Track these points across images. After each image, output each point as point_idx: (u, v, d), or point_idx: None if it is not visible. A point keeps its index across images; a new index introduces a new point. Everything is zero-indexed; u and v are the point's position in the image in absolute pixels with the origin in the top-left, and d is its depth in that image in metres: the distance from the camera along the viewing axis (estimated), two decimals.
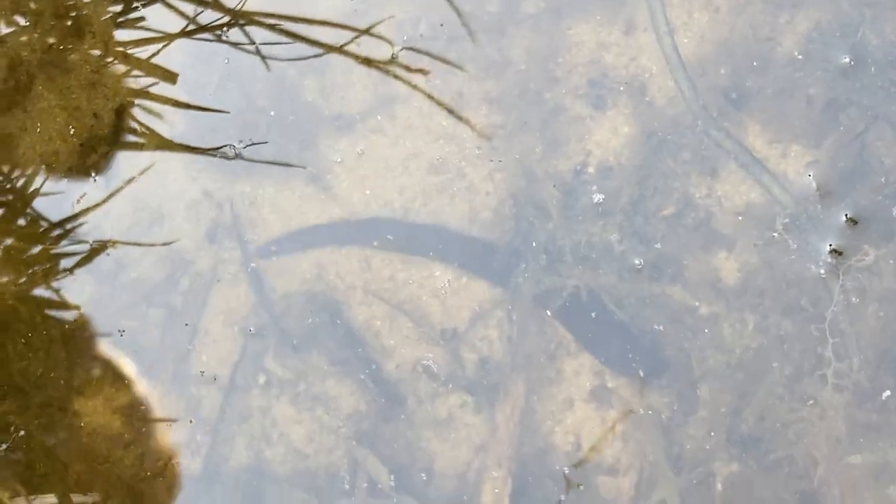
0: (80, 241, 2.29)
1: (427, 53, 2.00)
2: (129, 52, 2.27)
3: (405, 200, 2.01)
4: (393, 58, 2.03)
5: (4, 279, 2.21)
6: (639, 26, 1.99)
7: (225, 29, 2.17)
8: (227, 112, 2.13)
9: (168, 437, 2.05)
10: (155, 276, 2.10)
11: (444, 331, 1.96)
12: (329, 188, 2.06)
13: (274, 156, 2.06)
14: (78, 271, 2.30)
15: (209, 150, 2.11)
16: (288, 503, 1.96)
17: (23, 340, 2.17)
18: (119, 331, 2.10)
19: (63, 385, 2.13)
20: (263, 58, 2.11)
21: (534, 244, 1.97)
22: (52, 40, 2.26)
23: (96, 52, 2.27)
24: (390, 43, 2.05)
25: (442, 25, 2.00)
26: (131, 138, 2.22)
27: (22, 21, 2.30)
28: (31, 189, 2.23)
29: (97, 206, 2.21)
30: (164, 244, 2.13)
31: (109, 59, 2.31)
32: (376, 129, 2.07)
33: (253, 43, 2.10)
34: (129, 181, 2.19)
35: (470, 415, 1.94)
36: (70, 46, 2.24)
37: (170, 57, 2.18)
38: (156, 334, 2.06)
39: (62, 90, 2.22)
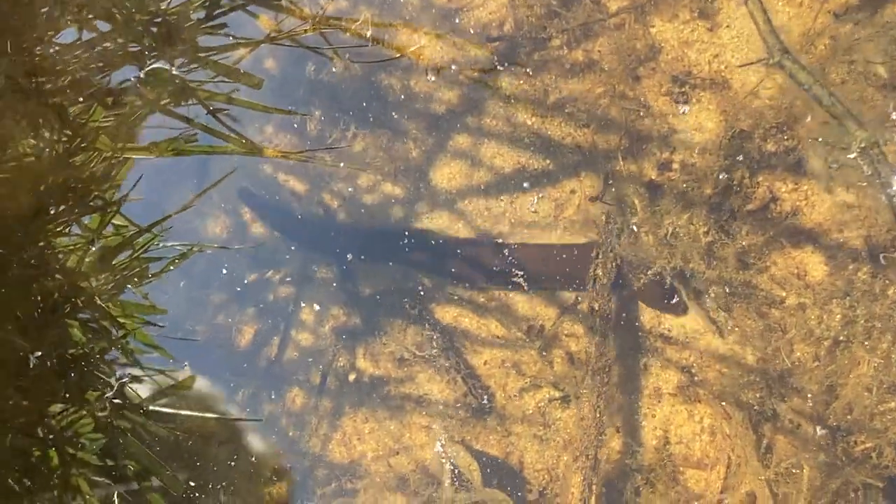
0: (170, 245, 2.51)
1: (511, 55, 2.18)
2: (214, 57, 2.49)
3: (489, 199, 2.20)
4: (482, 61, 2.23)
5: (98, 281, 2.44)
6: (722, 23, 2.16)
7: (308, 34, 2.38)
8: (311, 115, 2.33)
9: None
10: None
11: (532, 327, 2.14)
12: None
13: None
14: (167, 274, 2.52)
15: (295, 153, 2.32)
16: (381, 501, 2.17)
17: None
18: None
19: None
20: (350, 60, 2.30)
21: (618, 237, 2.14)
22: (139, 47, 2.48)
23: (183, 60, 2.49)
24: (478, 47, 2.24)
25: (526, 28, 2.19)
26: (219, 143, 2.45)
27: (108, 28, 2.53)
28: (124, 194, 2.46)
29: (185, 208, 2.43)
30: (252, 247, 2.35)
31: (195, 66, 2.53)
32: (463, 127, 2.26)
33: (331, 47, 2.30)
34: (215, 184, 2.40)
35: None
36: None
37: (255, 63, 2.38)
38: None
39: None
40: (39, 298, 2.49)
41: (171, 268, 2.54)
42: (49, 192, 2.52)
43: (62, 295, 2.57)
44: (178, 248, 2.50)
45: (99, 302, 2.54)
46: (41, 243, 2.59)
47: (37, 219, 2.49)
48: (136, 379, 2.51)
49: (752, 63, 2.11)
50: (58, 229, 2.60)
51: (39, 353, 2.36)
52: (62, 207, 2.58)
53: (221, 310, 2.33)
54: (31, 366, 2.38)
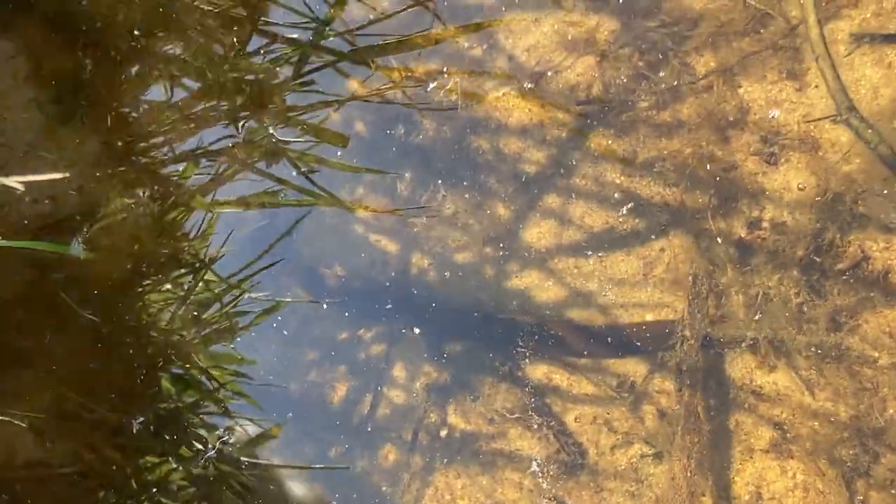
0: (256, 300, 2.68)
1: (600, 117, 2.34)
2: (300, 116, 2.67)
3: (579, 255, 2.36)
4: (570, 123, 2.39)
5: (188, 334, 2.62)
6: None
7: (396, 92, 2.55)
8: (401, 176, 2.51)
9: None
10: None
11: (622, 383, 2.29)
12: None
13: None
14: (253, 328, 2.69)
15: (384, 210, 2.49)
16: None
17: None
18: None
19: None
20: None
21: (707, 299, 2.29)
22: (229, 106, 2.66)
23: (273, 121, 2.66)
24: (566, 108, 2.39)
25: (614, 90, 2.35)
26: (307, 199, 2.62)
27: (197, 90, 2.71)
28: (216, 252, 2.64)
29: (271, 265, 2.58)
30: (338, 301, 2.52)
31: (284, 125, 2.71)
32: (550, 186, 2.42)
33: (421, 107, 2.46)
34: (288, 231, 2.55)
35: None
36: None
37: (346, 125, 2.55)
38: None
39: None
40: (137, 358, 2.67)
41: (259, 321, 2.71)
42: (143, 251, 2.70)
43: (156, 351, 2.75)
44: (266, 302, 2.67)
45: (194, 357, 2.72)
46: (139, 303, 2.78)
47: (134, 280, 2.67)
48: (228, 430, 2.69)
49: (819, 119, 2.26)
50: (151, 286, 2.78)
51: (141, 419, 2.54)
52: (155, 265, 2.76)
53: (314, 368, 2.51)
54: (133, 429, 2.55)
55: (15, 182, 1.30)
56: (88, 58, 2.54)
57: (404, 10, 2.55)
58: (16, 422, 2.46)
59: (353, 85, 2.57)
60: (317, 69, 2.71)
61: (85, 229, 2.56)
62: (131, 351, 2.66)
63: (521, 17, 2.50)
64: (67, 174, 2.42)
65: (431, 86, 2.54)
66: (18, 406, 2.53)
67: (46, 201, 2.56)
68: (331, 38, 2.64)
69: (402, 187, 2.52)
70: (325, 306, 2.54)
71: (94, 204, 2.60)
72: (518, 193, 2.50)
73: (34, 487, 2.57)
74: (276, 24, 2.72)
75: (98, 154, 2.67)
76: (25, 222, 2.53)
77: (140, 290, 2.74)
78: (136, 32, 2.58)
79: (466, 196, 2.51)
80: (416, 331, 2.50)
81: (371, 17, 2.61)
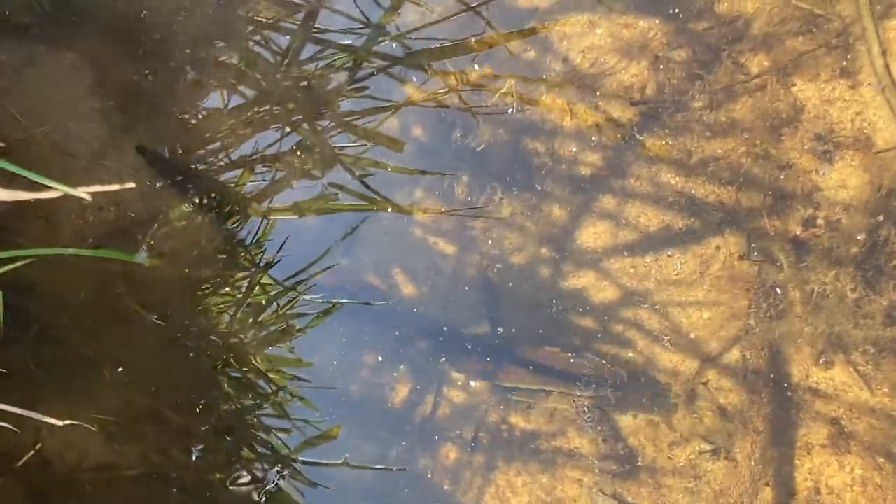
0: (311, 302, 2.90)
1: (654, 118, 2.54)
2: (355, 121, 2.88)
3: (640, 253, 2.57)
4: (625, 124, 2.59)
5: (246, 337, 2.84)
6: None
7: (452, 101, 2.76)
8: (458, 179, 2.71)
9: None
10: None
11: (679, 381, 2.49)
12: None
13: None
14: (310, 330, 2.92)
15: (438, 210, 2.70)
16: None
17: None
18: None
19: None
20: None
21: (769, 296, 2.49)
22: (284, 111, 2.87)
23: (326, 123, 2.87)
24: (621, 110, 2.60)
25: (668, 90, 2.54)
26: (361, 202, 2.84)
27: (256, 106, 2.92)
28: (272, 257, 2.86)
29: (327, 269, 2.79)
30: (392, 302, 2.74)
31: (338, 132, 2.91)
32: (605, 187, 2.62)
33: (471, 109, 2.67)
34: (351, 232, 2.77)
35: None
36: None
37: (403, 130, 2.76)
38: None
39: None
40: (200, 361, 2.90)
41: (316, 323, 2.93)
42: (203, 257, 2.92)
43: (216, 354, 2.98)
44: (324, 303, 2.89)
45: (252, 360, 2.94)
46: (200, 307, 3.01)
47: (195, 284, 2.90)
48: (284, 431, 2.91)
49: (888, 150, 2.44)
50: (210, 291, 3.01)
51: (206, 427, 2.76)
52: (215, 270, 2.99)
53: (375, 369, 2.72)
54: (199, 431, 2.78)
55: (83, 193, 1.52)
56: (149, 68, 2.77)
57: (456, 14, 2.75)
58: (86, 425, 2.68)
59: (409, 90, 2.79)
60: (371, 74, 2.91)
61: (148, 236, 2.78)
62: (194, 354, 2.88)
63: (575, 21, 2.70)
64: (133, 184, 2.64)
65: (487, 90, 2.75)
66: (88, 409, 2.75)
67: (112, 209, 2.78)
68: (384, 43, 2.85)
69: (460, 190, 2.74)
70: (387, 307, 2.75)
71: (157, 211, 2.81)
72: (574, 195, 2.70)
73: (103, 489, 2.79)
74: (330, 30, 2.92)
75: (159, 161, 2.88)
76: (92, 229, 2.75)
77: (200, 294, 2.97)
78: (194, 43, 2.80)
79: (523, 198, 2.72)
80: (474, 331, 2.71)
81: (423, 21, 2.82)
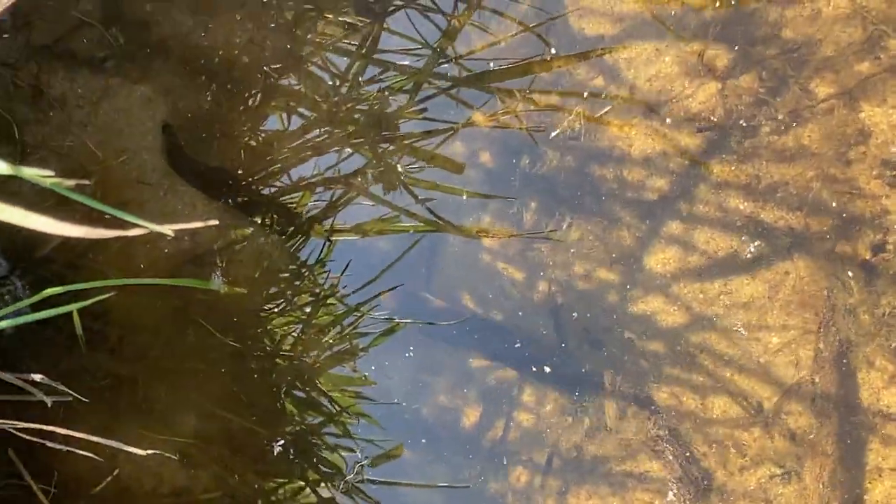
0: (374, 323, 3.04)
1: (721, 144, 2.65)
2: (416, 143, 3.01)
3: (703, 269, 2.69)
4: (692, 145, 2.71)
5: (308, 356, 2.98)
6: None
7: (513, 117, 2.89)
8: (526, 202, 2.84)
9: None
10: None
11: (750, 404, 2.61)
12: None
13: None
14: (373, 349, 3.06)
15: (510, 235, 2.83)
16: None
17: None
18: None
19: None
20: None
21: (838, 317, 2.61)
22: (344, 133, 3.01)
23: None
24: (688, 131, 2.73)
25: (735, 116, 2.66)
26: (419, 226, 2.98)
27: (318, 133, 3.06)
28: (337, 280, 3.00)
29: (390, 290, 2.93)
30: (457, 322, 2.88)
31: (399, 154, 3.05)
32: (673, 212, 2.74)
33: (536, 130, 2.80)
34: (407, 250, 2.93)
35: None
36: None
37: (470, 156, 2.90)
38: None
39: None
40: (270, 382, 3.04)
41: (379, 343, 3.07)
42: (268, 279, 3.07)
43: (281, 374, 3.12)
44: (389, 323, 3.03)
45: (316, 380, 3.07)
46: (264, 329, 3.15)
47: (262, 306, 3.04)
48: (350, 450, 3.05)
49: None
50: (276, 312, 3.16)
51: (282, 442, 2.91)
52: (278, 291, 3.14)
53: (446, 393, 2.85)
54: (274, 452, 2.92)
55: (167, 230, 1.65)
56: (218, 97, 2.92)
57: (514, 34, 2.89)
58: (168, 454, 2.83)
59: (472, 115, 2.92)
60: (431, 96, 3.05)
61: (221, 262, 2.93)
62: (261, 376, 3.03)
63: (641, 48, 2.82)
64: (216, 222, 2.79)
65: (554, 116, 2.88)
66: (164, 433, 2.90)
67: (186, 238, 2.93)
68: (444, 65, 2.99)
69: (528, 216, 2.87)
70: (454, 331, 2.89)
71: (226, 235, 2.96)
72: (641, 220, 2.82)
73: None
74: (390, 50, 3.06)
75: (229, 188, 3.03)
76: (165, 256, 2.90)
77: (265, 315, 3.11)
78: (259, 71, 2.95)
79: (591, 223, 2.84)
80: (543, 356, 2.84)
81: (484, 43, 2.95)
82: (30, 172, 1.57)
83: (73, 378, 3.10)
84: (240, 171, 3.18)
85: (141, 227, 1.79)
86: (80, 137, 3.07)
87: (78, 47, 3.07)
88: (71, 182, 1.76)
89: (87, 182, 2.89)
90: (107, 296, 2.56)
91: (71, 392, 2.62)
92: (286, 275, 3.14)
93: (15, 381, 2.62)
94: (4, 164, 1.61)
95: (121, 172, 3.08)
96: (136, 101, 3.09)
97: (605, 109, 2.95)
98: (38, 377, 2.64)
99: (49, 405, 2.61)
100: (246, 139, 3.16)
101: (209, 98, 3.09)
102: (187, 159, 3.04)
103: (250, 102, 3.16)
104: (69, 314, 2.41)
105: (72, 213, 2.98)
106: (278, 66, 3.12)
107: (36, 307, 2.15)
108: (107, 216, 1.84)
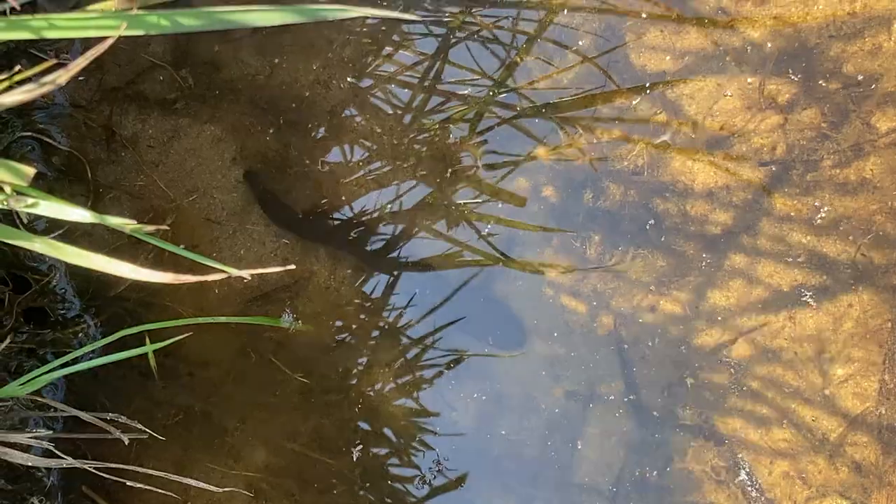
0: (437, 353, 3.16)
1: (784, 178, 2.77)
2: (476, 175, 3.13)
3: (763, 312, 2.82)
4: (754, 179, 2.83)
5: (374, 389, 3.10)
6: None
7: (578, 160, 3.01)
8: (589, 236, 2.96)
9: None
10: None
11: (814, 436, 2.72)
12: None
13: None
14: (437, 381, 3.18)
15: (573, 269, 2.96)
16: None
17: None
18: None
19: None
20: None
21: None
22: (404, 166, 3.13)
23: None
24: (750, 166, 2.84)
25: (797, 151, 2.78)
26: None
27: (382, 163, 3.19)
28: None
29: (454, 322, 3.07)
30: (520, 354, 3.01)
31: (460, 186, 3.17)
32: (736, 246, 2.86)
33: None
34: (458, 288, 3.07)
35: None
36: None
37: (533, 191, 3.03)
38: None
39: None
40: (337, 414, 3.16)
41: (443, 374, 3.19)
42: (334, 312, 3.19)
43: (348, 407, 3.24)
44: (454, 355, 3.15)
45: (384, 412, 3.20)
46: (330, 361, 3.28)
47: (328, 340, 3.17)
48: (416, 480, 3.17)
49: None
50: (341, 345, 3.28)
51: (367, 485, 3.04)
52: (343, 324, 3.26)
53: (512, 424, 2.98)
54: (341, 485, 3.05)
55: (245, 273, 1.77)
56: (284, 135, 3.05)
57: (574, 66, 3.00)
58: (244, 492, 2.97)
59: (537, 149, 3.04)
60: (492, 128, 3.18)
61: (289, 299, 3.07)
62: (328, 408, 3.16)
63: (703, 83, 2.94)
64: (293, 267, 2.92)
65: (617, 150, 3.00)
66: (234, 467, 3.04)
67: (256, 277, 3.06)
68: (504, 95, 3.11)
69: (591, 251, 2.99)
70: (520, 363, 3.01)
71: (296, 273, 3.09)
72: (705, 253, 2.94)
73: None
74: (451, 81, 3.19)
75: (294, 223, 3.16)
76: (237, 292, 3.04)
77: (332, 347, 3.24)
78: (325, 108, 3.08)
79: (654, 257, 2.95)
80: (609, 388, 2.96)
81: (545, 75, 3.07)
82: (113, 221, 1.70)
83: (145, 414, 3.25)
84: (304, 206, 3.32)
85: (220, 272, 1.91)
86: (151, 177, 3.21)
87: (148, 89, 3.22)
88: (150, 228, 1.90)
89: (165, 227, 3.03)
90: (183, 336, 2.71)
91: (146, 430, 2.76)
92: (351, 308, 3.27)
93: (93, 421, 2.76)
94: (89, 213, 1.75)
95: (191, 211, 3.22)
96: (206, 141, 3.24)
97: (669, 144, 3.06)
98: (114, 416, 2.78)
99: (126, 443, 2.75)
100: (310, 174, 3.29)
101: (275, 136, 3.23)
102: (277, 202, 3.18)
103: (315, 138, 3.29)
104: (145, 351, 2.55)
105: (144, 251, 3.12)
106: (342, 102, 3.25)
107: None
108: (183, 255, 1.97)
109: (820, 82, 3.07)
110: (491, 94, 3.23)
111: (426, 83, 3.29)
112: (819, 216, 3.05)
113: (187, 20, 1.43)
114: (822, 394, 3.02)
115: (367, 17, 3.29)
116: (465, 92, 3.25)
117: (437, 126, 3.36)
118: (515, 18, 3.31)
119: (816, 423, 3.04)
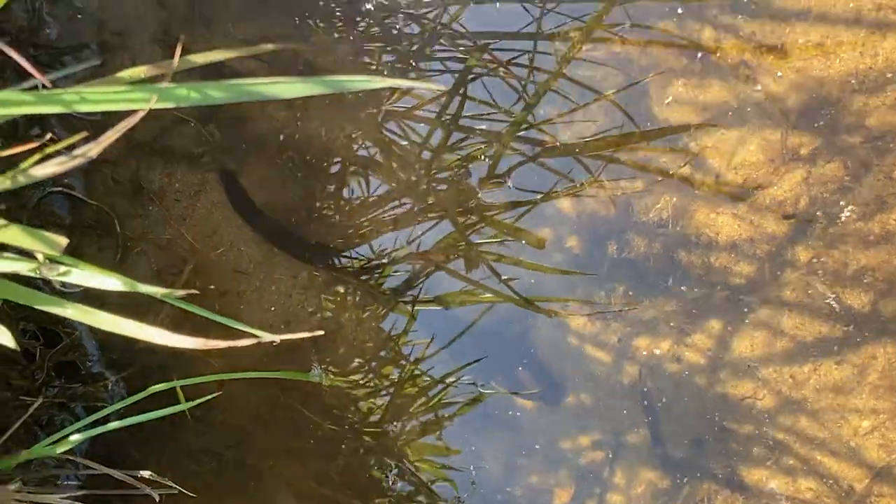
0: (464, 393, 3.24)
1: (806, 229, 2.84)
2: (496, 216, 3.21)
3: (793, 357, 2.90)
4: (778, 232, 2.91)
5: (396, 426, 3.17)
6: None
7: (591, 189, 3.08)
8: (614, 287, 3.02)
9: None
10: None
11: (840, 486, 2.79)
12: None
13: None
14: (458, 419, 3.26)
15: (595, 313, 3.02)
16: None
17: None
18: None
19: None
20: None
21: None
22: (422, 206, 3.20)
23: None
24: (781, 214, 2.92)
25: (820, 203, 2.85)
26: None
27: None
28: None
29: (475, 362, 3.14)
30: (539, 392, 3.09)
31: (479, 226, 3.25)
32: (761, 298, 2.92)
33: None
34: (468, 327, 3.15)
35: None
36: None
37: (557, 241, 3.10)
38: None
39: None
40: (361, 457, 3.24)
41: (464, 412, 3.27)
42: (354, 355, 3.27)
43: (368, 448, 3.33)
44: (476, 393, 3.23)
45: (403, 451, 3.28)
46: (350, 401, 3.34)
47: (350, 383, 3.24)
48: None
49: None
50: (360, 385, 3.36)
51: None
52: (362, 362, 3.34)
53: (536, 473, 3.05)
54: None
55: (275, 338, 1.84)
56: (308, 182, 3.12)
57: (596, 120, 3.08)
58: None
59: (558, 191, 3.11)
60: (512, 168, 3.25)
61: (316, 351, 3.14)
62: (351, 451, 3.23)
63: (726, 136, 3.01)
64: (322, 332, 3.00)
65: (640, 202, 3.06)
66: None
67: (282, 326, 3.14)
68: (524, 132, 3.18)
69: (615, 301, 3.05)
70: (543, 412, 3.08)
71: (322, 323, 3.16)
72: (729, 305, 3.00)
73: None
74: (469, 116, 3.26)
75: (322, 269, 3.23)
76: (265, 346, 3.11)
77: (352, 387, 3.32)
78: (345, 156, 3.15)
79: (679, 308, 3.02)
80: (636, 437, 3.03)
81: (567, 124, 3.15)
82: (145, 289, 1.77)
83: (176, 464, 3.32)
84: (327, 248, 3.39)
85: (251, 337, 1.98)
86: (179, 230, 3.28)
87: (175, 143, 3.29)
88: (181, 292, 1.97)
89: (195, 292, 3.10)
90: (215, 395, 2.78)
91: (178, 487, 2.83)
92: (376, 353, 3.34)
93: (123, 478, 2.84)
94: (121, 281, 1.82)
95: (218, 263, 3.29)
96: None
97: (692, 196, 3.13)
98: (146, 474, 2.85)
99: (157, 500, 2.82)
100: (332, 219, 3.37)
101: (300, 185, 3.30)
102: (290, 237, 3.25)
103: (338, 184, 3.36)
104: (173, 400, 2.61)
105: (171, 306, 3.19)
106: (365, 149, 3.32)
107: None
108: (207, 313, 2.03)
109: (842, 136, 3.14)
110: (510, 132, 3.29)
111: (447, 119, 3.36)
112: (843, 268, 3.12)
113: (216, 92, 1.50)
114: (848, 445, 3.09)
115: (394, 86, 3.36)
116: (482, 127, 3.32)
117: (456, 163, 3.43)
118: (535, 70, 3.38)
119: (842, 474, 3.11)
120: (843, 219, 3.12)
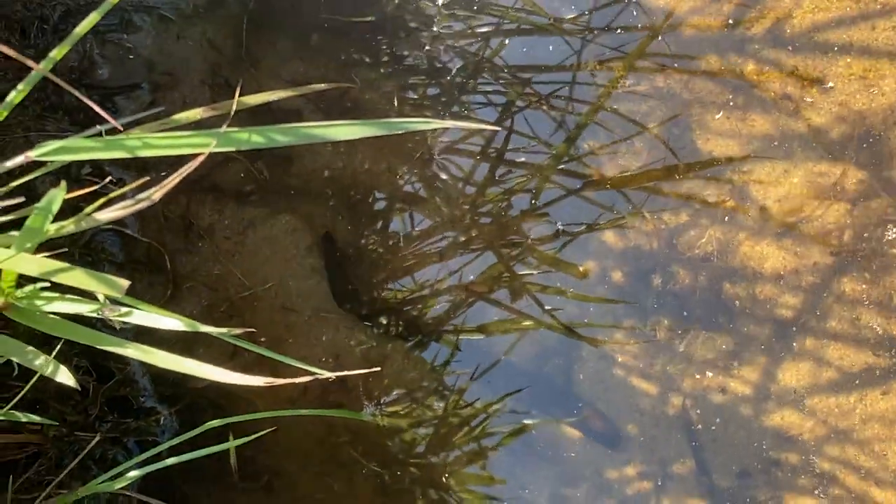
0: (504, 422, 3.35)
1: (852, 263, 2.93)
2: (539, 247, 3.32)
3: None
4: (823, 264, 2.99)
5: (437, 458, 3.29)
6: None
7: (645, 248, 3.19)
8: (659, 320, 3.13)
9: None
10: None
11: None
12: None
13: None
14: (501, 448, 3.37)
15: (638, 341, 3.12)
16: None
17: None
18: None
19: None
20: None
21: None
22: (465, 239, 3.31)
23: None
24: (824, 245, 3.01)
25: (865, 235, 2.94)
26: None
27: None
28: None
29: (515, 392, 3.26)
30: (580, 420, 3.19)
31: (521, 256, 3.36)
32: (806, 329, 3.02)
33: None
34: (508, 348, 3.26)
35: None
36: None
37: (602, 275, 3.19)
38: None
39: None
40: (404, 493, 3.35)
41: (507, 442, 3.38)
42: (399, 387, 3.37)
43: (413, 481, 3.44)
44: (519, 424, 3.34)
45: (447, 482, 3.38)
46: (392, 433, 3.45)
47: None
48: None
49: None
50: (403, 415, 3.47)
51: None
52: (404, 392, 3.45)
53: (584, 502, 3.16)
54: None
55: (329, 374, 1.94)
56: (354, 218, 3.24)
57: (640, 151, 3.19)
58: None
59: (601, 223, 3.22)
60: (554, 201, 3.36)
61: (367, 388, 3.25)
62: (396, 485, 3.34)
63: (770, 169, 3.11)
64: (379, 369, 3.12)
65: (685, 235, 3.17)
66: None
67: (330, 360, 3.25)
68: (565, 165, 3.29)
69: (661, 334, 3.16)
70: (589, 443, 3.19)
71: (371, 359, 3.28)
72: (774, 336, 3.11)
73: None
74: (511, 149, 3.38)
75: (367, 305, 3.35)
76: (317, 383, 3.23)
77: (393, 419, 3.43)
78: (389, 193, 3.26)
79: (724, 340, 3.13)
80: (681, 468, 3.13)
81: (611, 158, 3.25)
82: (206, 329, 1.88)
83: (225, 498, 3.44)
84: (370, 283, 3.50)
85: (310, 374, 2.09)
86: (227, 266, 3.40)
87: (224, 181, 3.41)
88: (238, 331, 2.09)
89: (252, 330, 3.22)
90: (267, 432, 2.91)
91: None
92: (425, 390, 3.45)
93: None
94: (182, 322, 1.93)
95: (267, 299, 3.42)
96: (281, 231, 3.43)
97: (737, 229, 3.24)
98: None
99: None
100: (377, 253, 3.48)
101: (346, 220, 3.42)
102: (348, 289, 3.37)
103: (384, 220, 3.48)
104: (222, 437, 2.72)
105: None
106: (412, 185, 3.44)
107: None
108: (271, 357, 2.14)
109: (886, 168, 3.25)
110: (551, 165, 3.41)
111: (492, 153, 3.48)
112: (887, 299, 3.22)
113: (278, 136, 1.60)
114: (895, 474, 3.19)
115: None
116: (523, 160, 3.44)
117: (499, 197, 3.54)
118: (577, 104, 3.50)
119: (889, 503, 3.20)
120: (888, 252, 3.22)
